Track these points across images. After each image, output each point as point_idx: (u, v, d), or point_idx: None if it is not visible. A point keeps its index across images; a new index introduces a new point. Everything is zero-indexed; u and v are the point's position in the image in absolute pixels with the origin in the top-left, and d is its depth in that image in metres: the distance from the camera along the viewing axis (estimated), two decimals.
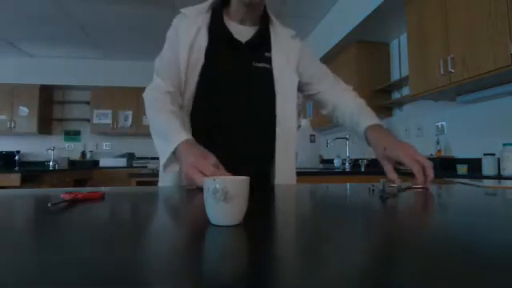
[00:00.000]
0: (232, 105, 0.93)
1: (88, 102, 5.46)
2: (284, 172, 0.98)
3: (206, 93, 0.93)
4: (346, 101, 1.06)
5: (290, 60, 1.01)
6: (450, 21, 2.10)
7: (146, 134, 5.75)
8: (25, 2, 3.45)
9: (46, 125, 5.33)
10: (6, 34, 4.33)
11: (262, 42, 0.98)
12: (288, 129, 0.99)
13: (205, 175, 0.67)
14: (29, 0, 3.39)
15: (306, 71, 1.05)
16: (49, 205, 0.50)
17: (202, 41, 0.93)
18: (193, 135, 0.85)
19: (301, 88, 1.06)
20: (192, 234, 0.37)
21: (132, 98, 5.15)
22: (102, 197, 0.60)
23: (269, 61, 0.97)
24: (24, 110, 5.07)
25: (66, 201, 0.53)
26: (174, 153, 0.79)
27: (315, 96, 1.08)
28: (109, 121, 5.34)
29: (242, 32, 0.95)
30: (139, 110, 5.27)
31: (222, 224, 0.38)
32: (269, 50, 0.98)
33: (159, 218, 0.50)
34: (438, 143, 2.63)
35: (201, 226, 0.39)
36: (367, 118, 0.96)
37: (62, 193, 0.55)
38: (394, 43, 3.39)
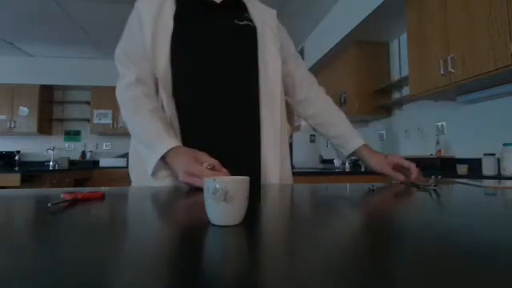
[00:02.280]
0: (215, 71, 0.85)
1: (88, 102, 5.46)
2: (272, 165, 0.89)
3: (182, 63, 0.84)
4: (327, 110, 1.04)
5: (271, 26, 0.95)
6: (450, 21, 2.10)
7: None
8: (25, 2, 3.44)
9: (46, 125, 5.33)
10: (5, 34, 4.32)
11: (238, 4, 0.92)
12: (273, 98, 0.91)
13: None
14: (29, 0, 3.39)
15: (283, 45, 0.98)
16: (49, 205, 0.50)
17: (169, 8, 0.85)
18: (181, 114, 0.82)
19: None
20: (192, 234, 0.37)
21: None
22: (102, 197, 0.60)
23: (250, 20, 0.92)
24: (24, 110, 5.07)
25: (66, 201, 0.53)
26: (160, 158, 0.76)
27: (286, 77, 1.00)
28: (109, 121, 5.34)
29: None
30: None
31: (222, 224, 0.38)
32: (247, 11, 0.93)
33: (159, 218, 0.50)
34: (437, 143, 2.63)
35: (201, 226, 0.39)
36: (357, 136, 1.01)
37: (62, 193, 0.55)
38: (394, 43, 3.39)
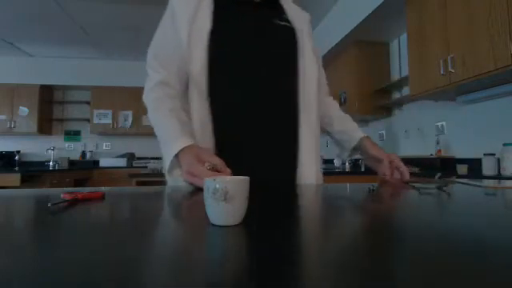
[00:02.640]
0: (255, 70, 0.83)
1: (88, 102, 5.46)
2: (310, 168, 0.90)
3: (220, 62, 0.82)
4: (335, 110, 1.07)
5: (307, 29, 0.96)
6: (450, 21, 2.10)
7: (146, 134, 5.72)
8: (25, 2, 3.45)
9: (46, 125, 5.33)
10: (5, 34, 4.33)
11: (276, 5, 0.91)
12: (310, 101, 0.90)
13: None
14: (29, 0, 3.39)
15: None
16: (49, 205, 0.50)
17: (206, 8, 0.83)
18: (216, 114, 0.81)
19: None
20: (192, 234, 0.37)
21: (132, 98, 5.15)
22: (102, 197, 0.60)
23: (288, 22, 0.90)
24: (24, 110, 5.07)
25: (66, 201, 0.53)
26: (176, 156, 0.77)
27: None
28: (109, 121, 5.34)
29: None
30: (139, 110, 5.27)
31: (222, 224, 0.38)
32: (284, 12, 0.92)
33: (159, 218, 0.50)
34: (437, 143, 2.63)
35: (201, 226, 0.39)
36: (360, 131, 1.02)
37: (62, 193, 0.55)
38: (394, 43, 3.39)
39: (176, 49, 0.83)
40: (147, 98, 0.87)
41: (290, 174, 0.88)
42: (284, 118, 0.87)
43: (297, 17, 0.95)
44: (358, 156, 1.06)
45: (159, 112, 0.83)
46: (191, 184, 0.73)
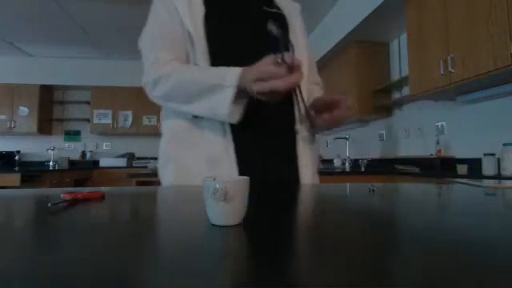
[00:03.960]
0: (249, 58, 0.75)
1: (88, 102, 5.46)
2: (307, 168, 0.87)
3: (217, 49, 0.79)
4: (315, 93, 0.97)
5: (298, 18, 0.94)
6: (450, 21, 2.10)
7: (146, 134, 5.72)
8: (25, 2, 3.45)
9: (46, 125, 5.33)
10: (5, 34, 4.33)
11: None
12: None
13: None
14: (29, 0, 3.39)
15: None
16: (49, 205, 0.50)
17: None
18: None
19: None
20: (192, 234, 0.37)
21: (132, 98, 5.15)
22: (102, 197, 0.60)
23: (279, 9, 0.90)
24: (24, 110, 5.07)
25: (66, 201, 0.53)
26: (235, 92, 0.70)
27: None
28: (109, 121, 5.34)
29: None
30: (139, 110, 5.27)
31: (222, 224, 0.38)
32: (274, 1, 0.91)
33: (159, 218, 0.50)
34: (437, 143, 2.63)
35: (201, 226, 0.39)
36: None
37: (62, 193, 0.55)
38: (394, 43, 3.39)
39: (176, 37, 0.80)
40: (161, 72, 0.78)
41: (291, 171, 0.86)
42: (282, 110, 0.84)
43: (287, 6, 0.94)
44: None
45: (189, 69, 0.77)
46: (262, 93, 0.65)
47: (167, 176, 0.85)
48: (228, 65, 0.74)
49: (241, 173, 0.77)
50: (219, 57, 0.79)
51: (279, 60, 0.63)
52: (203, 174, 0.77)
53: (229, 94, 0.70)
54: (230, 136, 0.79)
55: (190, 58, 0.81)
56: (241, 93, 0.70)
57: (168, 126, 0.87)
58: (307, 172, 0.88)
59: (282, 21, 0.89)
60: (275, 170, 0.82)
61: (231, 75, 0.69)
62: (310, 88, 0.97)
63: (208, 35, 0.79)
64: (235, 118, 0.73)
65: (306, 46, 0.93)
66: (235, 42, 0.82)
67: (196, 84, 0.74)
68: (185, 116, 0.82)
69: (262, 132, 0.82)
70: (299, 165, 0.87)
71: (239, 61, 0.73)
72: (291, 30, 0.90)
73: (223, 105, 0.71)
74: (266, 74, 0.64)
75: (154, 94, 0.82)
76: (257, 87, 0.65)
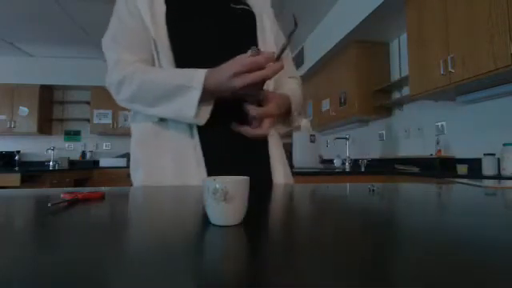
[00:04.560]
0: (213, 57, 0.72)
1: (88, 102, 5.46)
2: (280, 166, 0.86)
3: (181, 48, 0.77)
4: (288, 85, 0.92)
5: (267, 13, 0.91)
6: (450, 21, 2.10)
7: None
8: (25, 2, 3.45)
9: (45, 125, 5.34)
10: (5, 34, 4.33)
11: None
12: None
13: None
14: (29, 0, 3.39)
15: (276, 37, 0.91)
16: (49, 205, 0.50)
17: None
18: None
19: None
20: (192, 234, 0.37)
21: None
22: (102, 197, 0.60)
23: (247, 5, 0.87)
24: (24, 110, 5.07)
25: (66, 201, 0.53)
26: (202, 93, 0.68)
27: None
28: (109, 121, 5.34)
29: None
30: None
31: (222, 224, 0.38)
32: None
33: (159, 218, 0.50)
34: (437, 143, 2.63)
35: (201, 226, 0.39)
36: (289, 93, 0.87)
37: (62, 193, 0.55)
38: (394, 43, 3.39)
39: (138, 36, 0.78)
40: (124, 72, 0.76)
41: (265, 171, 0.84)
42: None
43: (256, 2, 0.91)
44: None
45: (153, 70, 0.75)
46: (243, 88, 0.64)
47: (138, 178, 0.84)
48: (193, 65, 0.72)
49: (209, 173, 0.76)
50: (184, 57, 0.78)
51: (255, 52, 0.63)
52: (171, 175, 0.78)
53: (195, 95, 0.69)
54: (197, 137, 0.77)
55: (155, 60, 0.79)
56: (207, 95, 0.70)
57: (136, 128, 0.85)
58: (279, 171, 0.87)
59: (249, 18, 0.87)
60: (245, 170, 0.74)
61: (197, 76, 0.68)
62: (284, 81, 0.93)
63: (170, 34, 0.77)
64: (202, 120, 0.72)
65: (274, 38, 0.89)
66: (200, 41, 0.79)
67: (161, 86, 0.73)
68: (151, 118, 0.80)
69: (230, 132, 0.77)
70: (271, 164, 0.86)
71: (205, 61, 0.72)
72: (259, 28, 0.88)
73: (189, 107, 0.70)
74: (245, 66, 0.63)
75: (119, 98, 0.80)
76: (238, 82, 0.64)
